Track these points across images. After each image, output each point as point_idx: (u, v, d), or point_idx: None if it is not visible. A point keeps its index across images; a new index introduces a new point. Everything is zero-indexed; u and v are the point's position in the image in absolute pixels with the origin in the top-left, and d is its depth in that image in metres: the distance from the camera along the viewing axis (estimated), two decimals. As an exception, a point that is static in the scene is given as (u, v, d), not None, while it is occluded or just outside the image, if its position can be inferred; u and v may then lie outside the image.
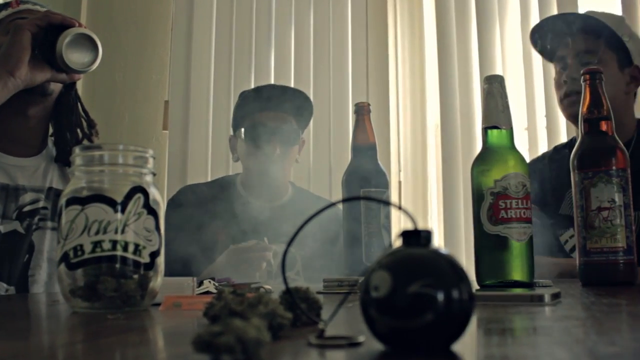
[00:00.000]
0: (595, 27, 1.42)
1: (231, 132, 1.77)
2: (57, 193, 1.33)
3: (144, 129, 2.55)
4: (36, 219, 1.31)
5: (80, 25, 1.16)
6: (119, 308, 0.65)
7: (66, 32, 1.12)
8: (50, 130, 1.40)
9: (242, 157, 1.70)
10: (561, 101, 1.51)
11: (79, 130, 1.37)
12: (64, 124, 1.36)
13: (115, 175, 0.70)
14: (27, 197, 1.31)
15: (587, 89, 1.04)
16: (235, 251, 1.43)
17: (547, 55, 1.58)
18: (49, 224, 1.32)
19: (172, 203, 1.68)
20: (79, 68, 1.16)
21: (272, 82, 2.50)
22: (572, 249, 1.40)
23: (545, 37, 1.52)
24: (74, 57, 1.14)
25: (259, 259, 1.40)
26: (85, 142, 1.38)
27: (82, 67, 1.16)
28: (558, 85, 1.52)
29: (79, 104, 1.39)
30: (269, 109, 1.64)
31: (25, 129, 1.33)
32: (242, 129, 1.66)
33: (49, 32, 1.13)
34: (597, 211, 0.98)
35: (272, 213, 1.61)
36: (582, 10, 2.15)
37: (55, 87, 1.31)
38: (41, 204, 1.32)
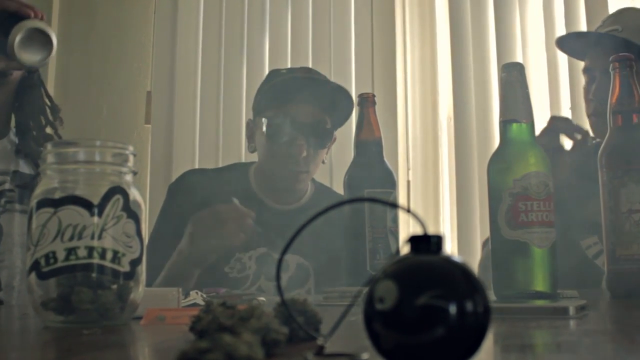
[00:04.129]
0: (624, 44, 1.45)
1: (250, 116, 1.65)
2: (24, 178, 1.36)
3: (124, 122, 2.56)
4: (2, 201, 1.33)
5: (36, 14, 1.20)
6: (95, 322, 0.65)
7: (19, 26, 1.17)
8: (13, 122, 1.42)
9: (260, 151, 1.58)
10: (588, 117, 1.55)
11: (42, 118, 1.39)
12: (26, 111, 1.38)
13: (91, 174, 0.70)
14: None
15: (617, 79, 1.03)
16: (199, 219, 1.34)
17: (577, 55, 1.63)
18: (17, 206, 1.34)
19: (174, 188, 1.61)
20: (31, 64, 1.21)
21: (266, 70, 2.50)
22: (597, 255, 1.42)
23: (573, 43, 1.57)
24: (26, 53, 1.18)
25: (239, 219, 1.32)
26: (49, 129, 1.39)
27: (34, 64, 1.21)
28: (586, 98, 1.55)
29: (42, 88, 1.40)
30: (303, 101, 1.49)
31: None
32: (265, 119, 1.52)
33: (3, 20, 1.17)
34: (627, 214, 0.98)
35: (288, 218, 1.52)
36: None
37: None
38: (7, 186, 1.35)
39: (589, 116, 1.54)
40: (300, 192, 1.60)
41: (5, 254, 1.32)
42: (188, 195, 1.54)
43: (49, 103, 1.41)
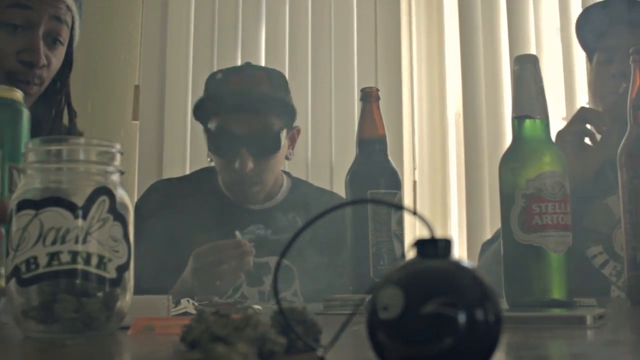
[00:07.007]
0: None
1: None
2: None
3: (110, 119, 2.55)
4: None
5: None
6: (80, 332, 0.65)
7: None
8: None
9: (214, 162, 1.60)
10: (602, 98, 1.49)
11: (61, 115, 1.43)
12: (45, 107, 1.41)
13: (75, 174, 0.70)
14: None
15: (637, 72, 1.04)
16: (200, 255, 1.36)
17: (589, 44, 1.58)
18: None
19: (141, 204, 1.63)
20: None
21: (263, 62, 2.50)
22: (603, 265, 1.43)
23: (593, 24, 1.51)
24: None
25: (239, 257, 1.34)
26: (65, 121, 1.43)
27: None
28: (602, 79, 1.49)
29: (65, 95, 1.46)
30: (239, 111, 1.49)
31: None
32: (205, 133, 1.56)
33: None
34: (649, 216, 0.98)
35: (263, 217, 1.56)
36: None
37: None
38: None
39: (604, 96, 1.46)
40: (273, 191, 1.60)
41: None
42: (160, 208, 1.56)
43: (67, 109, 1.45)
